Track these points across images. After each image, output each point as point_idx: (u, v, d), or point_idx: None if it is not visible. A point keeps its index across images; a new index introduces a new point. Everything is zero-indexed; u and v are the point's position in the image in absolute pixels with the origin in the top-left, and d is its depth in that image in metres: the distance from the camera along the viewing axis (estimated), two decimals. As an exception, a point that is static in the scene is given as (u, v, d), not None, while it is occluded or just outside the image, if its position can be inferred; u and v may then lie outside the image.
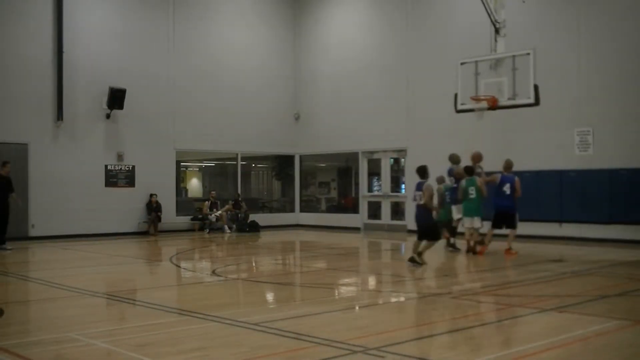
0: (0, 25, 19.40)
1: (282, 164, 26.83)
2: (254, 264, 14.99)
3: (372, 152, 23.96)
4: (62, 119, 20.06)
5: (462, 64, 16.17)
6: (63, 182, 20.05)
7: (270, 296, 10.35)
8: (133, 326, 7.54)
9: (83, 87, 20.62)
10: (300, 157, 26.18)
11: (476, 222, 14.68)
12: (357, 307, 9.06)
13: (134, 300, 9.85)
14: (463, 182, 14.90)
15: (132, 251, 17.74)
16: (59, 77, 20.08)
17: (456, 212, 15.28)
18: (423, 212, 12.91)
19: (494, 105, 15.34)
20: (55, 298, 9.84)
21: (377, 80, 23.30)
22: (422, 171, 13.02)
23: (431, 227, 13.00)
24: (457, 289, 10.37)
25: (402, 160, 23.22)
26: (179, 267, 14.12)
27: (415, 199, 13.06)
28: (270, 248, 19.03)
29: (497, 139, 19.45)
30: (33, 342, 6.92)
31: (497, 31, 15.88)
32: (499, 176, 15.05)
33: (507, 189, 14.76)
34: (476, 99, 15.59)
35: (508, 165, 15.13)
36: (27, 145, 19.62)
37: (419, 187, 12.93)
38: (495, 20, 15.85)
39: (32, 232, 19.52)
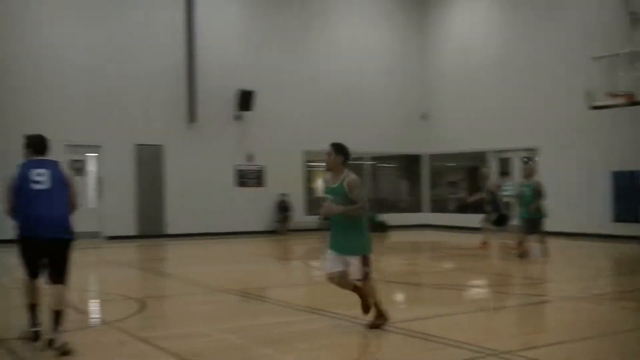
0: (137, 37, 20.34)
1: (409, 163, 26.61)
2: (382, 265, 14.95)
3: (501, 152, 23.27)
4: (194, 121, 20.90)
5: (594, 58, 15.41)
6: (195, 182, 20.74)
7: (399, 297, 10.27)
8: (263, 323, 7.72)
9: (213, 90, 21.25)
10: (429, 156, 25.87)
11: None
12: (488, 309, 8.84)
13: (264, 297, 10.08)
14: None
15: (264, 250, 18.20)
16: (191, 81, 20.90)
17: None
18: None
19: (631, 101, 14.54)
20: (194, 293, 10.25)
21: (505, 78, 22.51)
22: None
23: None
24: (596, 293, 9.89)
25: (535, 159, 22.37)
26: (308, 266, 14.33)
27: None
28: (397, 249, 18.89)
29: (636, 136, 18.23)
30: (172, 335, 7.23)
31: (633, 22, 15.02)
32: None
33: None
34: (612, 95, 14.82)
35: None
36: (162, 146, 20.57)
37: None
38: (631, 12, 15.01)
39: (168, 230, 20.42)
